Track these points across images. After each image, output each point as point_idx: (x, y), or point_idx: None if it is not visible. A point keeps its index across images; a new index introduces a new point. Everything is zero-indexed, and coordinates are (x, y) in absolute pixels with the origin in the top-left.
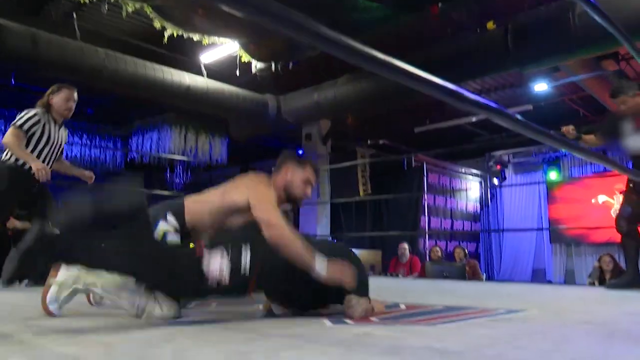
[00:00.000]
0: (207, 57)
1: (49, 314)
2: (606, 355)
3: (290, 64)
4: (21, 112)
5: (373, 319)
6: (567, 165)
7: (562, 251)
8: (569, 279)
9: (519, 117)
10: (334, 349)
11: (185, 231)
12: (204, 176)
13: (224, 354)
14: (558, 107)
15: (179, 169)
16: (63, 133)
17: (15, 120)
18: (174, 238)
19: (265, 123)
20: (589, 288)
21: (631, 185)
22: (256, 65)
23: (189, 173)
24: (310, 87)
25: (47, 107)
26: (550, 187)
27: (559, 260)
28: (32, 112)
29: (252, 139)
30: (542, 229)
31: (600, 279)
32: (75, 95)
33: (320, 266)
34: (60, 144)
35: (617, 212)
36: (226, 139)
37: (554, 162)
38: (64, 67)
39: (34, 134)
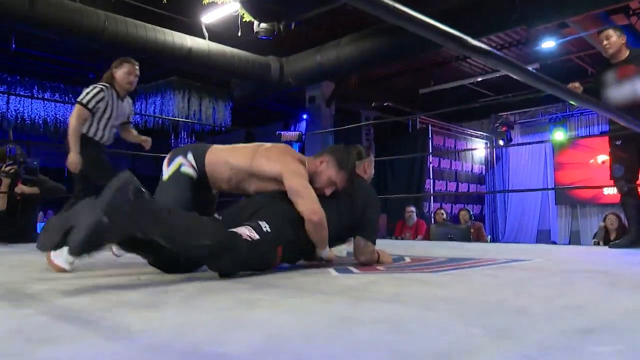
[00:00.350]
0: (208, 18)
1: (59, 270)
2: (609, 298)
3: (293, 25)
4: (23, 77)
5: (379, 267)
6: (574, 126)
7: (567, 212)
8: (574, 240)
9: (530, 69)
10: (339, 297)
11: (201, 173)
12: (208, 141)
13: (230, 301)
14: (566, 66)
15: (183, 134)
16: (127, 105)
17: (81, 97)
18: (188, 170)
19: (268, 85)
20: (593, 247)
21: (617, 143)
22: (258, 25)
23: (193, 138)
24: (313, 49)
25: (111, 81)
26: (556, 148)
27: (564, 221)
28: (97, 88)
29: (255, 103)
30: (546, 189)
31: (606, 239)
32: (137, 69)
33: (326, 253)
34: (125, 116)
35: (613, 174)
36: (229, 103)
37: (560, 122)
38: (62, 29)
39: (98, 109)
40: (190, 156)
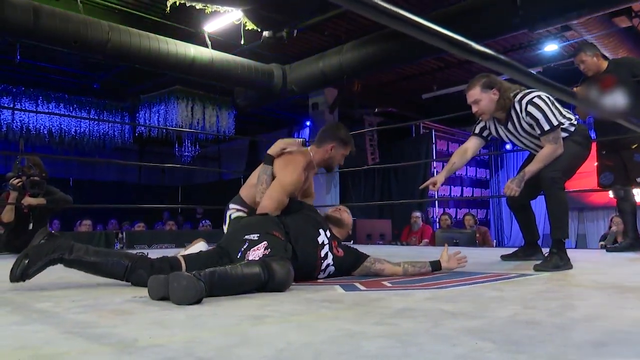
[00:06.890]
0: (210, 27)
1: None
2: (619, 310)
3: (295, 32)
4: (27, 88)
5: (385, 283)
6: None
7: (573, 216)
8: (580, 243)
9: (532, 71)
10: (347, 312)
11: (249, 208)
12: (212, 149)
13: (236, 318)
14: (569, 69)
15: (187, 142)
16: (512, 126)
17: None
18: (238, 214)
19: (271, 93)
20: (599, 251)
21: (603, 152)
22: (268, 34)
23: (197, 146)
24: (316, 55)
25: None
26: None
27: (570, 225)
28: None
29: (258, 110)
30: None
31: (615, 242)
32: (469, 92)
33: None
34: (517, 138)
35: (602, 182)
36: (233, 111)
37: None
38: (67, 40)
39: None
40: (232, 205)
